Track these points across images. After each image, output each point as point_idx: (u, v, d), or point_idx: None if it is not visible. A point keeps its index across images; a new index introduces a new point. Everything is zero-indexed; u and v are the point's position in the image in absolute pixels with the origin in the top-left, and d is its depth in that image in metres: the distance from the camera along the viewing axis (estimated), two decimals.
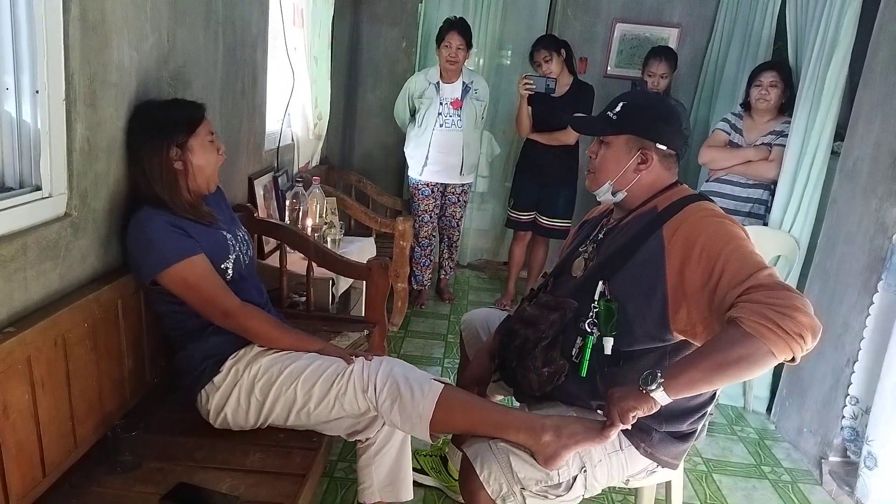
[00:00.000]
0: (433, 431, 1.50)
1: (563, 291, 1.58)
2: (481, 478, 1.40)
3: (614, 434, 1.38)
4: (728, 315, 1.23)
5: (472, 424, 1.50)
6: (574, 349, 1.48)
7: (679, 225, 1.39)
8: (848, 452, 2.39)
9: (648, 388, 1.26)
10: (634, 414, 1.30)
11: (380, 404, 1.51)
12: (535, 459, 1.40)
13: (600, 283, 1.45)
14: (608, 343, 1.43)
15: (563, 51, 3.45)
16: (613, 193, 1.54)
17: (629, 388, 1.32)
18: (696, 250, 1.32)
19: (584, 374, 1.46)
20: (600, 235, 1.61)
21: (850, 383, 2.36)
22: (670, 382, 1.26)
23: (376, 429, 1.61)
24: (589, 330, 1.45)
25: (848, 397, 2.37)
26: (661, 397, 1.27)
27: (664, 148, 1.50)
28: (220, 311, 1.55)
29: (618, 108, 1.51)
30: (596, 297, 1.45)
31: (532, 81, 3.32)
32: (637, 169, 1.50)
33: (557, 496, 1.41)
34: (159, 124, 1.53)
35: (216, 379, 1.57)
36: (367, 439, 1.66)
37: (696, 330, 1.35)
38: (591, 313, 1.45)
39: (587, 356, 1.45)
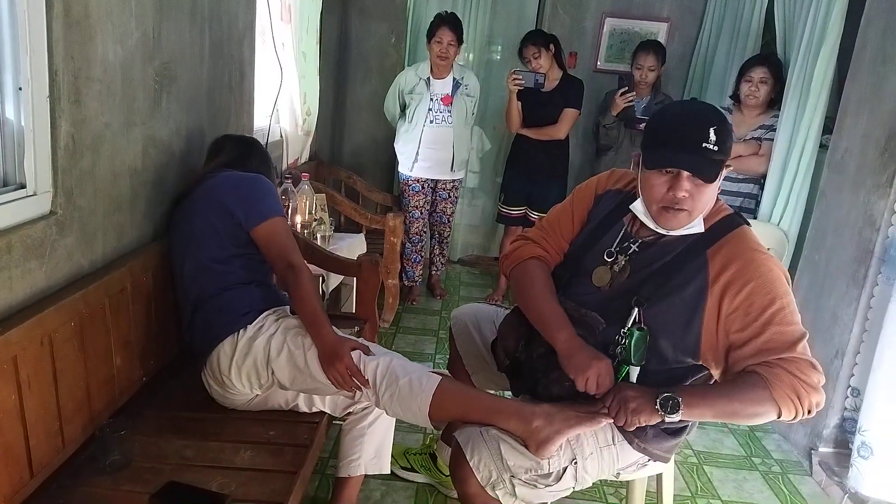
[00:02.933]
0: (431, 419, 1.53)
1: (587, 301, 1.51)
2: (471, 464, 1.40)
3: (607, 421, 1.41)
4: (758, 370, 1.32)
5: (464, 412, 1.51)
6: None
7: (726, 261, 1.37)
8: (849, 444, 2.41)
9: (669, 415, 1.33)
10: (642, 425, 1.38)
11: (380, 397, 1.55)
12: (527, 447, 1.40)
13: (636, 308, 1.41)
14: (634, 372, 1.43)
15: (552, 46, 3.44)
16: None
17: (645, 401, 1.35)
18: (742, 295, 1.34)
19: None
20: (634, 247, 1.49)
21: (851, 374, 2.37)
22: (686, 411, 1.33)
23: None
24: (618, 358, 1.43)
25: (849, 388, 2.38)
26: (673, 419, 1.35)
27: None
28: (287, 262, 1.67)
29: (712, 137, 1.30)
30: (629, 324, 1.42)
31: (521, 77, 3.32)
32: (718, 188, 1.40)
33: (546, 486, 1.42)
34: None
35: (250, 326, 1.64)
36: (362, 409, 1.76)
37: (718, 363, 1.41)
38: (621, 340, 1.42)
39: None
